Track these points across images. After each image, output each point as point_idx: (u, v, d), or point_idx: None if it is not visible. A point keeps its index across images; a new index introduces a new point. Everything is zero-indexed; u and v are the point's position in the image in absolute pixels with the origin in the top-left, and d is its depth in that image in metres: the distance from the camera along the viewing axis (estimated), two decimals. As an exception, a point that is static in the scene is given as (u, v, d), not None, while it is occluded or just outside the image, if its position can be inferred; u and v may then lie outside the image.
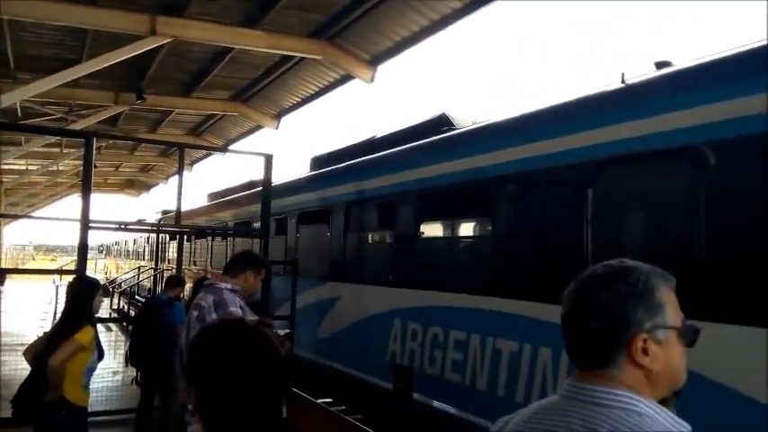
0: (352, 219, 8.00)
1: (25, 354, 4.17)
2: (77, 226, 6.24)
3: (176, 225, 7.74)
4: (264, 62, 12.36)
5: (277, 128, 15.85)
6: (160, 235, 17.44)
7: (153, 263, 18.61)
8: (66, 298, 4.19)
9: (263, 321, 1.49)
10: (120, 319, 15.64)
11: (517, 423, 1.27)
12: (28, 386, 3.93)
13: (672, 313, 1.19)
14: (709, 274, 3.58)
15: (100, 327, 13.20)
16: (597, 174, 4.40)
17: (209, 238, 13.75)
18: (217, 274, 6.49)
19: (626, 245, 4.46)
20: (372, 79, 11.24)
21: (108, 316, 17.16)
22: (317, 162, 9.82)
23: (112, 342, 13.38)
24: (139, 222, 15.70)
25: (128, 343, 8.07)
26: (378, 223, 7.62)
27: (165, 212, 19.89)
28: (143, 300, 14.14)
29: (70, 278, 5.27)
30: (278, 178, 10.64)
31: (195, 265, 15.06)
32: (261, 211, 7.52)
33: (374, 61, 11.00)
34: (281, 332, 3.73)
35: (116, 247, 34.58)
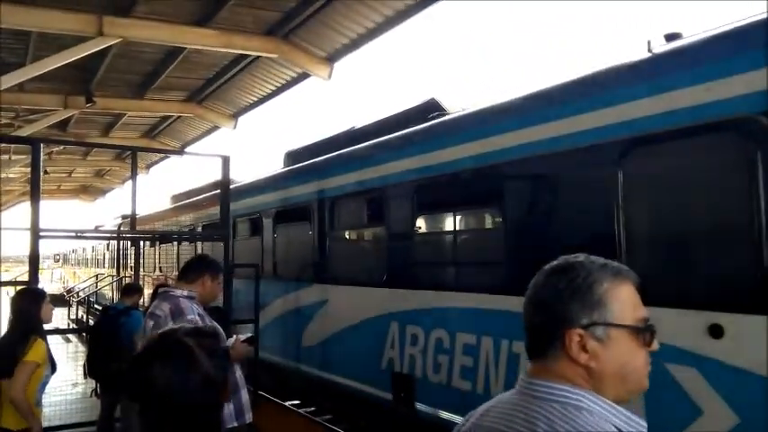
0: (339, 215, 7.38)
1: None
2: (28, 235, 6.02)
3: (131, 231, 7.54)
4: (218, 61, 12.16)
5: (235, 128, 15.67)
6: (122, 241, 16.93)
7: (114, 270, 18.12)
8: (11, 311, 4.01)
9: (202, 331, 1.45)
10: (78, 329, 15.20)
11: (476, 418, 1.27)
12: None
13: (618, 311, 1.15)
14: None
15: (57, 338, 12.85)
16: (628, 154, 3.92)
17: (176, 243, 13.35)
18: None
19: (664, 233, 3.93)
20: (330, 76, 11.19)
21: (66, 326, 16.68)
22: (293, 157, 9.20)
23: (72, 353, 13.01)
24: (96, 229, 15.27)
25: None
26: (369, 219, 6.98)
27: (125, 217, 19.38)
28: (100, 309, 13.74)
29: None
30: (249, 176, 10.41)
31: (161, 271, 14.67)
32: (220, 213, 7.39)
33: (331, 58, 10.94)
34: (243, 337, 3.65)
35: (74, 255, 33.59)
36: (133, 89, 13.82)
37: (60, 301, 22.80)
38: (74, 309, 19.33)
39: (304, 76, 11.92)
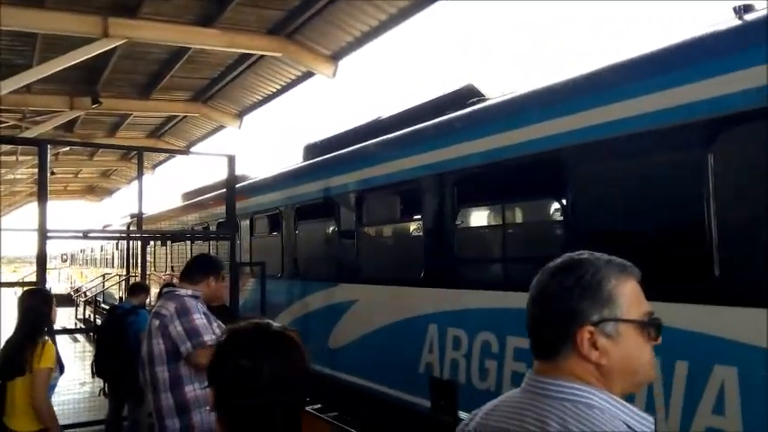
0: (368, 209, 6.81)
1: None
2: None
3: (138, 230, 7.58)
4: (223, 61, 12.19)
5: (240, 127, 15.69)
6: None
7: (123, 270, 18.15)
8: (19, 311, 4.03)
9: (289, 329, 1.43)
10: (86, 329, 15.28)
11: (481, 417, 1.27)
12: None
13: (626, 306, 1.16)
14: None
15: (65, 338, 12.91)
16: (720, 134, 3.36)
17: (189, 241, 13.19)
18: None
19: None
20: (334, 74, 11.19)
21: (74, 326, 16.77)
22: (312, 150, 8.67)
23: (79, 353, 13.10)
24: (104, 229, 15.33)
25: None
26: (404, 213, 6.49)
27: (133, 216, 19.41)
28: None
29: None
30: (267, 171, 10.24)
31: (173, 270, 14.61)
32: (226, 211, 7.33)
33: (335, 57, 10.94)
34: None
35: (81, 254, 33.71)
36: (139, 89, 13.87)
37: (67, 300, 22.94)
38: (81, 308, 19.41)
39: (308, 74, 11.92)
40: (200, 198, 13.28)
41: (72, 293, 26.51)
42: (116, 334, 6.30)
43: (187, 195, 15.06)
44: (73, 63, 10.07)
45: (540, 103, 4.71)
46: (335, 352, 6.95)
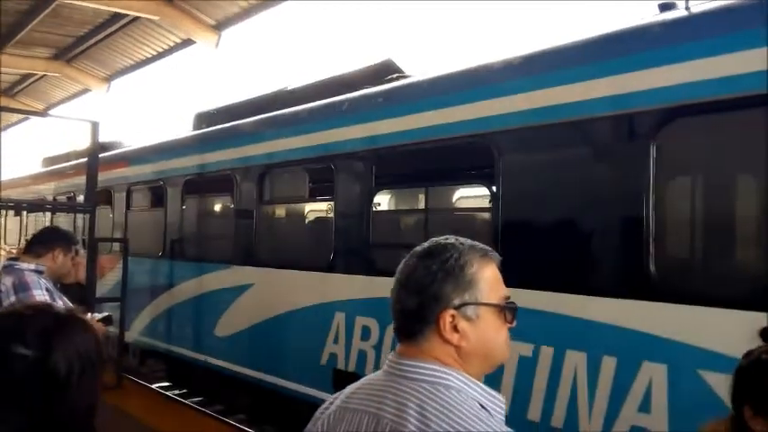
0: (272, 186, 6.31)
1: None
2: None
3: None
4: (92, 19, 11.31)
5: (108, 90, 14.74)
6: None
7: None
8: None
9: (72, 309, 1.32)
10: None
11: (342, 399, 1.27)
12: None
13: (486, 290, 1.19)
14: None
15: None
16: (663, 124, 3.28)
17: (50, 213, 11.85)
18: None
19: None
20: (217, 45, 10.79)
21: None
22: (205, 119, 7.83)
23: None
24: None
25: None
26: (313, 192, 6.04)
27: None
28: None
29: None
30: (151, 138, 9.25)
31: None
32: (86, 182, 6.62)
33: (219, 26, 10.54)
34: (98, 316, 3.51)
35: None
36: (-10, 41, 12.44)
37: None
38: None
39: (188, 41, 11.38)
40: (64, 165, 11.98)
41: None
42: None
43: (51, 160, 13.61)
44: None
45: (464, 85, 4.55)
46: (223, 340, 6.45)
